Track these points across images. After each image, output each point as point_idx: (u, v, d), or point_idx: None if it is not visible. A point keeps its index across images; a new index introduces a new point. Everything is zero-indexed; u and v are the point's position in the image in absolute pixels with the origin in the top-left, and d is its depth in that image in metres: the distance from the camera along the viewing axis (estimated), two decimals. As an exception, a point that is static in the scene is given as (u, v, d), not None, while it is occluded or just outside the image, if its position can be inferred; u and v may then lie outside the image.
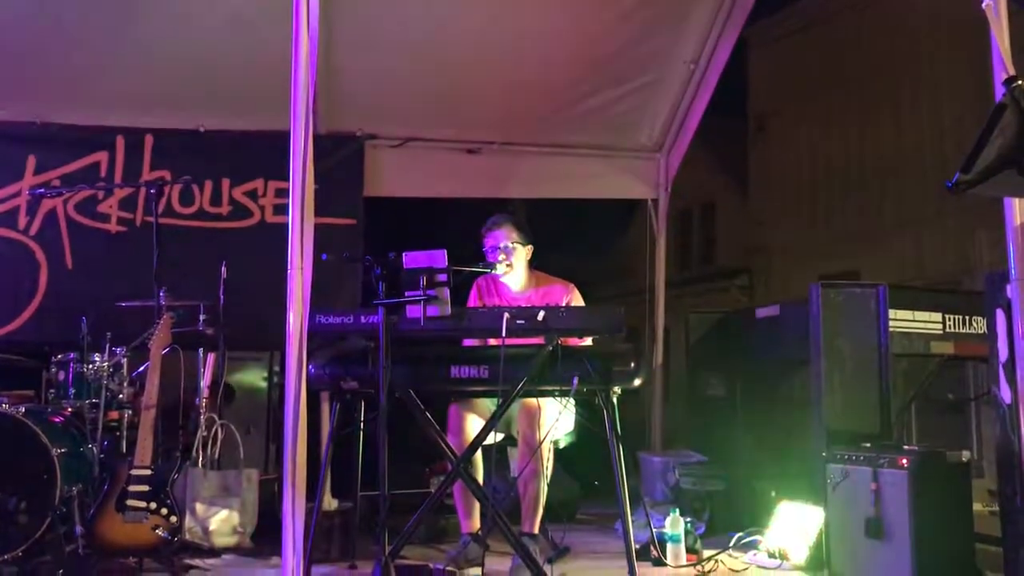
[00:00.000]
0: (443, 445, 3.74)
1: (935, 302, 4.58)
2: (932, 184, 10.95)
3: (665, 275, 6.53)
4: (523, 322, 3.54)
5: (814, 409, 4.36)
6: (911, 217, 11.38)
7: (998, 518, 3.61)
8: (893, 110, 11.72)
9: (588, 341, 3.90)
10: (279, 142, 5.37)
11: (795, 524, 4.21)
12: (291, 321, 2.88)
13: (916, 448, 3.78)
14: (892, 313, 4.32)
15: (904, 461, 3.58)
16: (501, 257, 4.20)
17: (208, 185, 5.67)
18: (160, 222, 4.54)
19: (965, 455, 3.73)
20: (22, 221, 5.47)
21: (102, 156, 5.56)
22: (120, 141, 5.58)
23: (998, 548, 3.59)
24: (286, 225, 5.48)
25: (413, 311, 3.46)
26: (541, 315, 3.55)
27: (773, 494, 4.68)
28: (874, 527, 3.62)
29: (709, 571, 3.85)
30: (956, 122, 10.65)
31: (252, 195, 5.75)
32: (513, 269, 4.25)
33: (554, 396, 3.85)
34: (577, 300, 4.30)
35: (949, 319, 4.56)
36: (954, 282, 10.02)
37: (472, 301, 4.37)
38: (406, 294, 3.45)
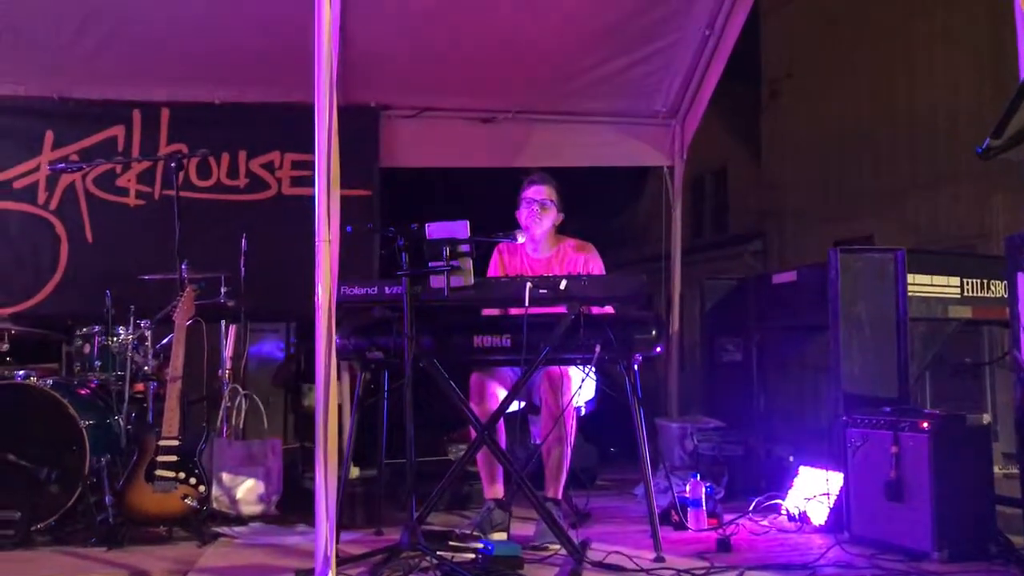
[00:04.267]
0: (468, 413, 3.78)
1: (953, 266, 4.59)
2: (946, 147, 10.89)
3: (681, 239, 6.52)
4: (545, 291, 3.56)
5: (832, 374, 4.39)
6: (925, 181, 11.32)
7: (1014, 481, 3.66)
8: (907, 74, 11.61)
9: (609, 308, 3.92)
10: (294, 114, 5.46)
11: (814, 488, 4.25)
12: (319, 293, 2.91)
13: (937, 412, 3.80)
14: (910, 278, 4.34)
15: (925, 424, 3.61)
16: (537, 210, 4.21)
17: (225, 158, 5.70)
18: (179, 195, 4.55)
19: (986, 418, 3.76)
20: (41, 196, 5.51)
21: (119, 130, 5.59)
22: (137, 115, 5.61)
23: (1016, 510, 3.64)
24: (303, 198, 5.61)
25: (436, 282, 3.48)
26: (563, 284, 3.57)
27: (791, 458, 4.72)
28: (895, 490, 3.66)
29: (730, 535, 3.89)
30: (971, 85, 10.55)
31: (269, 167, 5.78)
32: (540, 229, 4.26)
33: (576, 364, 3.88)
34: (596, 262, 4.32)
35: (967, 283, 4.57)
36: (969, 246, 9.99)
37: (494, 267, 4.39)
38: (429, 265, 3.47)
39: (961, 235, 10.58)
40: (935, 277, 4.48)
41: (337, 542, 3.66)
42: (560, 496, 4.00)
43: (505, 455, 3.83)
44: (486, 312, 3.98)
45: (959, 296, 4.52)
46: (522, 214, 4.27)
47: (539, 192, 4.26)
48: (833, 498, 4.10)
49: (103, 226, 5.55)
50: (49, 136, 5.52)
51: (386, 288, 3.62)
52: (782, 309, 5.31)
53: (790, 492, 4.39)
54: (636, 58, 5.85)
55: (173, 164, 4.48)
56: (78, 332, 4.62)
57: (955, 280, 4.52)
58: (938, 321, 4.47)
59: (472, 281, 3.50)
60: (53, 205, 5.52)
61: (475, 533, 3.81)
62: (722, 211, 16.79)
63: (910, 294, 4.32)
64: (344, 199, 5.52)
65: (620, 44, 5.74)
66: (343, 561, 3.37)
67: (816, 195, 13.37)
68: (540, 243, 4.32)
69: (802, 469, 4.40)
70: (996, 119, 2.35)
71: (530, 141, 6.17)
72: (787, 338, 5.34)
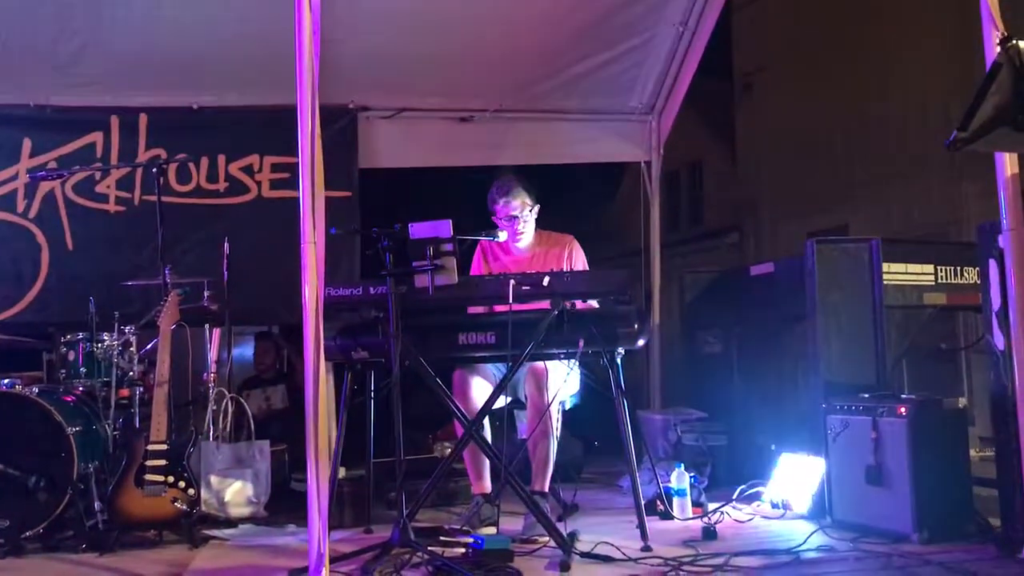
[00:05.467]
0: (455, 410, 3.82)
1: (927, 254, 4.67)
2: (917, 138, 11.01)
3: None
4: (529, 288, 3.61)
5: (811, 362, 4.46)
6: (897, 171, 11.43)
7: (990, 463, 3.74)
8: (878, 65, 11.74)
9: (595, 303, 3.98)
10: (273, 117, 5.47)
11: (796, 475, 4.33)
12: (306, 295, 2.94)
13: (913, 397, 3.89)
14: (885, 266, 4.41)
15: (903, 409, 3.69)
16: (520, 227, 4.25)
17: (204, 162, 5.70)
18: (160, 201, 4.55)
19: (961, 402, 3.85)
20: (20, 204, 5.49)
21: (97, 136, 5.58)
22: (115, 121, 5.60)
23: (992, 491, 3.72)
24: (283, 200, 5.62)
25: (421, 281, 3.52)
26: (546, 280, 3.62)
27: (773, 447, 4.79)
28: (875, 474, 3.74)
29: (715, 523, 3.96)
30: (941, 76, 10.67)
31: (248, 171, 5.78)
32: (525, 236, 4.31)
33: (560, 359, 3.93)
34: (578, 254, 4.37)
35: (941, 270, 4.65)
36: (942, 234, 10.13)
37: (477, 263, 4.43)
38: (413, 264, 3.51)
39: (934, 223, 10.71)
40: (910, 265, 4.56)
41: (327, 541, 3.71)
42: (547, 489, 4.05)
43: (492, 450, 3.88)
44: (471, 310, 4.02)
45: (933, 283, 4.60)
46: (504, 228, 4.28)
47: (513, 207, 4.27)
48: (815, 485, 4.17)
49: (83, 233, 5.54)
50: (27, 144, 5.50)
51: (371, 288, 3.66)
52: (761, 300, 5.38)
53: (772, 480, 4.46)
54: (612, 55, 5.92)
55: (155, 170, 4.48)
56: (63, 339, 4.60)
57: (929, 268, 4.60)
58: (913, 308, 4.54)
59: (456, 279, 3.54)
60: (32, 213, 5.51)
61: (464, 528, 3.86)
62: (697, 205, 16.90)
63: (886, 282, 4.39)
64: (326, 201, 5.60)
65: (596, 42, 5.81)
66: (335, 559, 3.39)
67: (791, 187, 13.48)
68: (523, 240, 4.36)
69: (783, 457, 4.48)
70: (963, 113, 2.42)
71: (509, 139, 6.21)
72: (766, 328, 5.40)
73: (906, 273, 4.54)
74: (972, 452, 4.12)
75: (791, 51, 13.36)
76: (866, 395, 4.00)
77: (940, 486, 3.67)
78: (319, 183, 3.01)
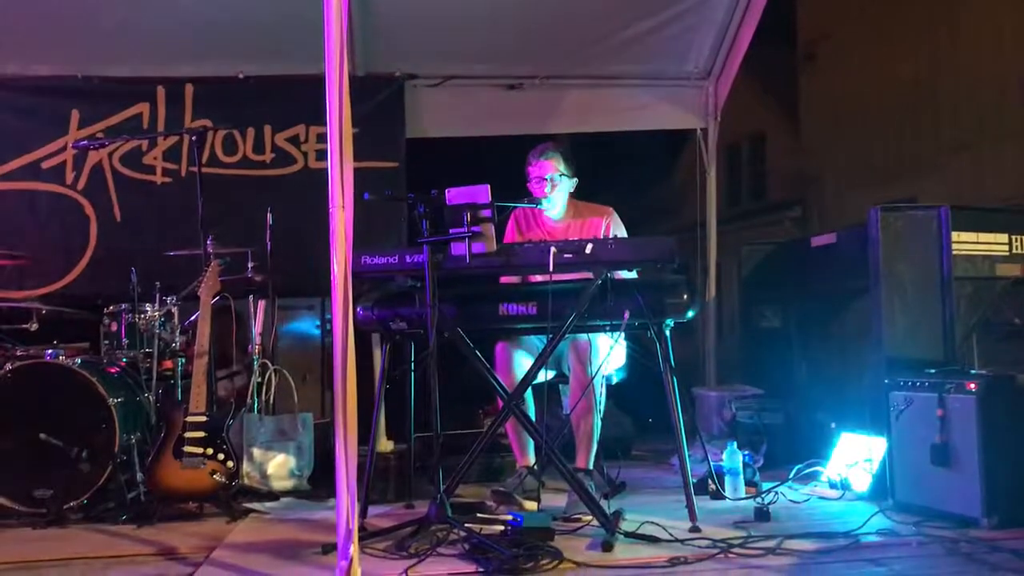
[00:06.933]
0: (494, 383, 3.70)
1: (1001, 223, 4.40)
2: (990, 107, 10.55)
3: (717, 206, 6.37)
4: (571, 256, 3.46)
5: (874, 337, 4.25)
6: (969, 139, 10.99)
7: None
8: (949, 29, 11.25)
9: (634, 274, 3.81)
10: (319, 87, 5.36)
11: (856, 454, 4.13)
12: (334, 262, 2.84)
13: (984, 372, 3.65)
14: (955, 235, 4.18)
15: (972, 386, 3.47)
16: (547, 189, 4.10)
17: (251, 132, 5.65)
18: (204, 171, 4.50)
19: (1037, 378, 3.60)
20: (69, 176, 5.51)
21: (144, 107, 5.57)
22: (161, 91, 5.58)
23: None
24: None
25: (457, 248, 3.39)
26: (589, 248, 3.47)
27: (832, 425, 4.61)
28: (941, 454, 3.53)
29: (769, 503, 3.78)
30: (1015, 42, 10.19)
31: (294, 141, 5.72)
32: (556, 203, 4.16)
33: (605, 331, 3.78)
34: (617, 224, 4.20)
35: (1016, 240, 4.38)
36: (1017, 204, 9.68)
37: (510, 233, 4.28)
38: (451, 231, 3.38)
39: (1007, 196, 10.24)
40: (981, 234, 4.30)
41: (365, 515, 3.64)
42: (591, 467, 3.91)
43: (534, 425, 3.75)
44: (504, 280, 3.88)
45: (1007, 253, 4.34)
46: (533, 191, 4.15)
47: (544, 168, 4.14)
48: (876, 464, 3.98)
49: (131, 204, 5.54)
50: (75, 115, 5.51)
51: (407, 256, 3.55)
52: (821, 273, 5.17)
53: (831, 459, 4.27)
54: (666, 18, 5.69)
55: (195, 138, 4.43)
56: (105, 310, 4.60)
57: (1003, 237, 4.34)
58: (985, 280, 4.29)
59: (495, 247, 3.41)
60: (81, 185, 5.52)
61: (505, 491, 3.74)
62: (760, 179, 16.47)
63: (955, 252, 4.16)
64: (371, 172, 5.53)
65: (649, 3, 5.59)
66: (372, 534, 3.33)
67: (856, 159, 13.05)
68: (556, 211, 4.21)
69: (843, 435, 4.29)
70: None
71: (559, 107, 6.05)
72: (827, 302, 5.18)
73: (977, 243, 4.29)
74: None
75: (857, 17, 12.87)
76: (932, 371, 3.77)
77: (1012, 468, 3.44)
78: (348, 148, 2.88)
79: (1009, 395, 3.52)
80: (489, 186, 3.36)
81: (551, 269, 3.43)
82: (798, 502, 3.99)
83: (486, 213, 3.35)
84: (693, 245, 6.35)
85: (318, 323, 7.28)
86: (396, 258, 3.57)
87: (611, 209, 4.24)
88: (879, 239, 4.20)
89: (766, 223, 14.85)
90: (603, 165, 11.52)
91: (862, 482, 4.04)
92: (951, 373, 3.70)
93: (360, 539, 2.88)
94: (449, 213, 3.37)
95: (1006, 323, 4.76)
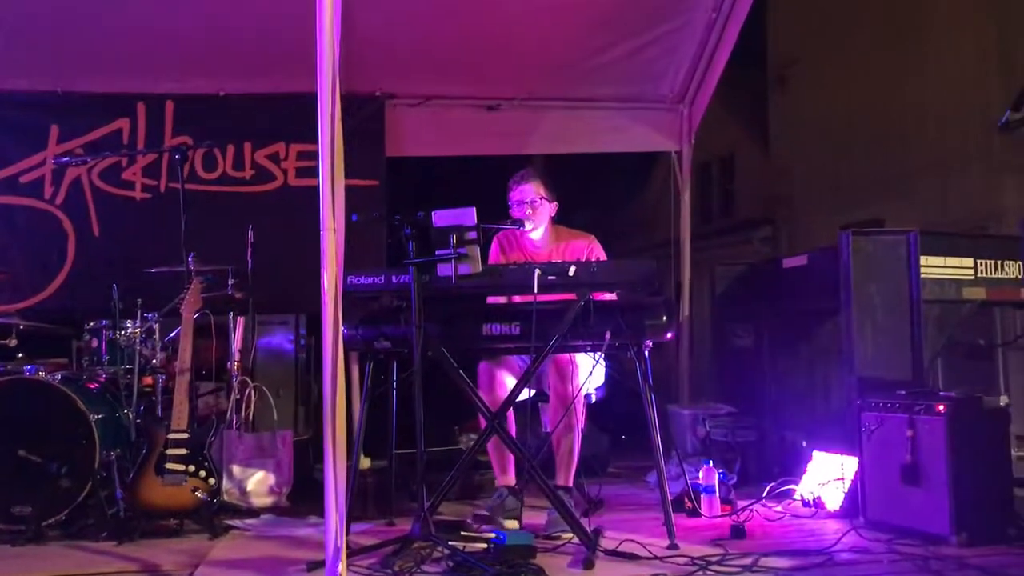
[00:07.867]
0: (478, 402, 3.75)
1: (966, 247, 4.54)
2: (955, 130, 10.77)
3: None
4: (554, 277, 3.53)
5: (845, 357, 4.35)
6: (934, 164, 11.20)
7: (1024, 463, 3.62)
8: (916, 56, 11.49)
9: (613, 295, 3.88)
10: (299, 104, 5.43)
11: (828, 473, 4.21)
12: (325, 282, 2.88)
13: (953, 394, 3.76)
14: (923, 259, 4.29)
15: (941, 407, 3.56)
16: (528, 212, 4.18)
17: (231, 149, 5.68)
18: (185, 188, 4.52)
19: (1003, 400, 3.73)
20: (47, 191, 5.51)
21: (124, 123, 5.58)
22: (141, 107, 5.60)
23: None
24: (309, 188, 5.57)
25: (444, 269, 3.45)
26: (572, 270, 3.54)
27: (804, 443, 4.69)
28: (911, 473, 3.62)
29: (744, 521, 3.85)
30: (979, 67, 10.43)
31: (274, 158, 5.75)
32: (537, 225, 4.23)
33: (586, 351, 3.84)
34: (599, 251, 4.28)
35: (981, 264, 4.52)
36: (980, 228, 9.89)
37: (494, 254, 4.36)
38: (436, 252, 3.44)
39: (972, 218, 10.46)
40: (948, 259, 4.43)
41: (348, 533, 3.66)
42: (571, 484, 3.97)
43: (516, 443, 3.80)
44: (491, 300, 3.94)
45: (972, 277, 4.47)
46: (515, 215, 4.23)
47: (524, 193, 4.23)
48: (848, 483, 4.07)
49: (110, 220, 5.55)
50: (54, 130, 5.51)
51: (393, 277, 3.60)
52: (793, 293, 5.26)
53: (804, 477, 4.35)
54: (643, 42, 5.80)
55: (178, 156, 4.44)
56: (86, 326, 4.60)
57: (968, 261, 4.47)
58: (952, 303, 4.41)
59: (480, 268, 3.46)
60: (59, 200, 5.52)
61: (486, 514, 3.78)
62: (730, 198, 16.67)
63: (923, 276, 4.27)
64: (352, 189, 5.48)
65: (626, 27, 5.69)
66: (355, 552, 3.35)
67: (825, 180, 13.25)
68: (538, 235, 4.29)
69: (816, 454, 4.37)
70: (1016, 93, 2.30)
71: (537, 128, 6.13)
72: (798, 322, 5.28)
73: (944, 267, 4.41)
74: (1012, 451, 3.99)
75: (826, 43, 13.12)
76: (902, 392, 3.87)
77: (979, 487, 3.54)
78: (339, 169, 2.93)
79: (976, 417, 3.62)
80: (475, 208, 3.42)
81: (535, 290, 3.49)
82: (773, 520, 4.07)
83: (472, 235, 3.41)
84: (666, 263, 6.44)
85: (292, 338, 7.28)
86: (383, 278, 3.62)
87: (593, 237, 4.33)
88: (850, 262, 4.31)
89: (736, 242, 15.05)
90: (578, 183, 11.62)
91: (834, 500, 4.13)
92: (920, 395, 3.79)
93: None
94: (435, 235, 3.42)
95: (971, 345, 4.90)
